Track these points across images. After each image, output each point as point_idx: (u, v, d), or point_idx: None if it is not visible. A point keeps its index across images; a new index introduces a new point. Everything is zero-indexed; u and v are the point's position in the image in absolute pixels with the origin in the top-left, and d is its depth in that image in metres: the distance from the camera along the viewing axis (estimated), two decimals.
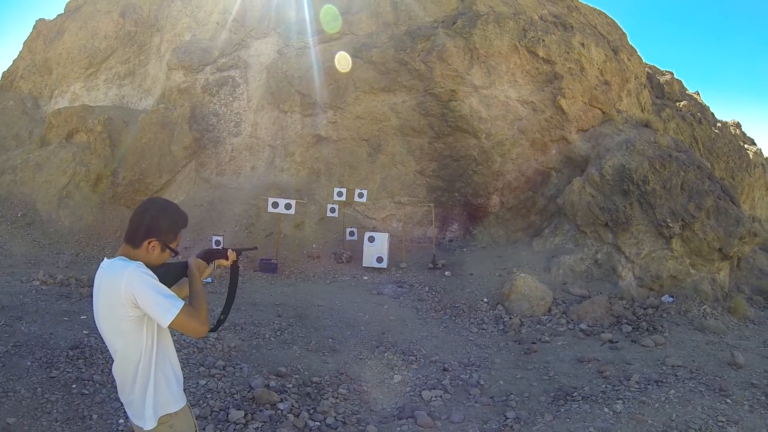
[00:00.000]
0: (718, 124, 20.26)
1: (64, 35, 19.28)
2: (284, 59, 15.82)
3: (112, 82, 18.31)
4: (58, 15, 20.47)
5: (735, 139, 20.22)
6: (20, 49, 20.90)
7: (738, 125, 22.55)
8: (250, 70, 16.29)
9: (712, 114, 20.91)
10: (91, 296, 2.84)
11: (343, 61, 14.85)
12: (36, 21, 20.77)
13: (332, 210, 13.79)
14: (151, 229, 2.77)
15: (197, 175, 15.45)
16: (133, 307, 2.61)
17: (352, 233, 13.66)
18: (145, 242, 2.76)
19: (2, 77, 20.47)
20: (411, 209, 14.81)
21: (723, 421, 5.68)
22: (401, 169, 14.95)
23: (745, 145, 21.15)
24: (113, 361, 2.82)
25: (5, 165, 15.57)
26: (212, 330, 2.96)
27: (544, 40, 14.23)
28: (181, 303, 2.64)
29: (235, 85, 16.19)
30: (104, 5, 19.09)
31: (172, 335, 2.99)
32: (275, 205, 12.99)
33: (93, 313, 2.82)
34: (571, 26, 15.04)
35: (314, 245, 13.88)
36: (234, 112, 15.98)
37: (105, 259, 2.81)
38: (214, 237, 12.41)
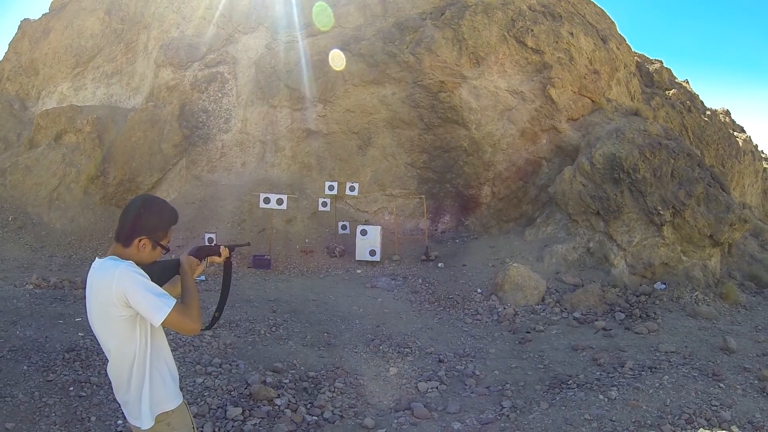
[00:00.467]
0: (708, 112, 20.33)
1: (49, 35, 19.11)
2: (272, 54, 15.75)
3: (99, 81, 18.17)
4: (43, 14, 20.22)
5: (724, 127, 20.30)
6: (5, 50, 20.73)
7: (727, 113, 22.65)
8: (239, 66, 16.22)
9: (702, 102, 20.98)
10: (85, 298, 2.83)
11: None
12: (21, 21, 20.53)
13: (324, 204, 13.80)
14: (141, 226, 2.76)
15: (188, 173, 15.40)
16: (124, 307, 2.60)
17: (344, 227, 13.67)
18: (135, 240, 2.75)
19: None
20: (402, 201, 14.83)
21: (717, 406, 5.74)
22: (392, 161, 14.96)
23: (735, 133, 21.25)
24: (108, 361, 2.82)
25: None
26: (207, 328, 2.96)
27: (532, 30, 14.23)
28: (173, 301, 2.63)
29: (224, 81, 16.12)
30: (89, 3, 18.92)
31: (167, 334, 2.99)
32: (267, 200, 12.97)
33: (87, 314, 2.81)
34: (560, 15, 15.05)
35: (307, 240, 13.88)
36: (223, 108, 15.92)
37: (96, 259, 2.80)
38: (206, 234, 12.38)
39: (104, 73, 18.16)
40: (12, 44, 20.40)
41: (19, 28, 20.41)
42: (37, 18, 20.30)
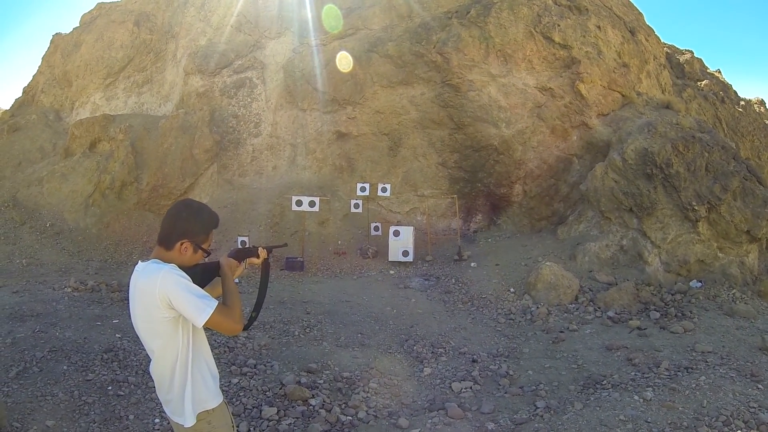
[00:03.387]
0: (742, 103, 19.94)
1: (81, 47, 19.54)
2: (300, 58, 15.89)
3: (130, 90, 18.53)
4: (74, 28, 20.71)
5: (760, 118, 19.89)
6: (39, 64, 21.23)
7: (762, 103, 22.17)
8: (267, 71, 16.40)
9: (735, 92, 20.58)
10: (122, 301, 2.91)
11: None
12: (53, 35, 21.03)
13: (356, 206, 13.84)
14: (183, 230, 2.82)
15: (220, 177, 15.61)
16: (168, 309, 2.66)
17: (376, 228, 13.70)
18: (178, 244, 2.81)
19: (23, 92, 20.79)
20: (434, 202, 14.81)
21: (755, 407, 5.60)
22: (423, 161, 14.95)
23: None
24: (150, 360, 2.89)
25: (32, 177, 15.88)
26: (244, 328, 3.00)
27: (559, 25, 14.11)
28: (215, 302, 2.68)
29: (253, 86, 16.31)
30: (118, 16, 19.32)
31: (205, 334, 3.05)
32: (299, 203, 13.06)
33: (125, 316, 2.88)
34: (586, 9, 14.89)
35: (339, 242, 13.95)
36: (253, 113, 16.11)
37: (139, 262, 2.87)
38: (239, 238, 12.53)
39: (135, 83, 18.52)
40: (45, 58, 20.93)
41: (52, 42, 20.93)
42: (68, 32, 20.80)
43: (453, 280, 11.51)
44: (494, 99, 14.05)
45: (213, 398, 2.92)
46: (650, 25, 17.77)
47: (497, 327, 9.24)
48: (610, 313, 9.41)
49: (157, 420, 5.50)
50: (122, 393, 5.95)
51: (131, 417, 5.55)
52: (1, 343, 6.92)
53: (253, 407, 5.86)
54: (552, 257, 11.54)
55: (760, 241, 11.09)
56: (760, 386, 6.13)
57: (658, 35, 17.82)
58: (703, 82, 19.00)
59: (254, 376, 6.58)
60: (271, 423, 5.59)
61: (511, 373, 7.30)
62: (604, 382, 6.65)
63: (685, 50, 21.12)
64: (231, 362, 6.93)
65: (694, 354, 7.34)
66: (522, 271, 11.28)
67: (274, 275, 11.95)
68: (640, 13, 17.82)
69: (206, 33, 17.54)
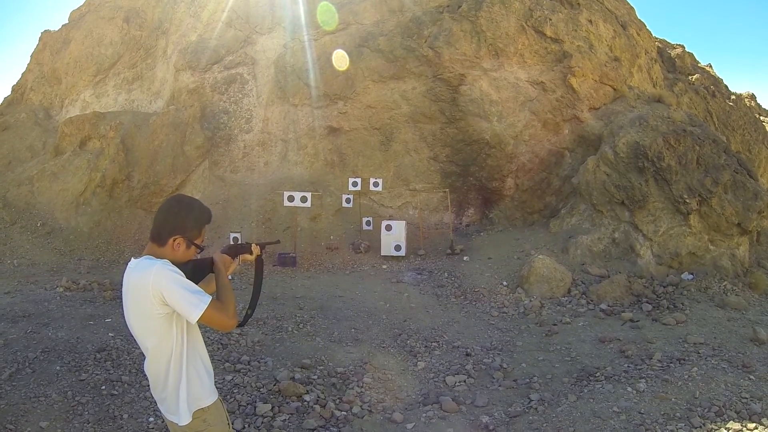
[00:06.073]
0: (732, 97, 20.01)
1: (70, 44, 19.38)
2: (291, 53, 15.83)
3: (120, 87, 18.40)
4: (62, 25, 20.52)
5: (750, 112, 19.97)
6: (28, 61, 21.01)
7: (753, 97, 22.26)
8: (258, 66, 16.33)
9: (726, 86, 20.65)
10: (115, 299, 2.88)
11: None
12: (41, 33, 20.80)
13: (348, 201, 13.83)
14: (176, 226, 2.79)
15: (211, 174, 15.55)
16: (161, 305, 2.63)
17: (368, 223, 13.69)
18: (170, 240, 2.78)
19: (12, 91, 20.56)
20: (426, 196, 14.81)
21: (747, 398, 5.66)
22: (414, 156, 14.94)
23: (761, 118, 20.89)
24: (145, 358, 2.86)
25: (22, 176, 15.73)
26: (240, 325, 2.98)
27: (551, 19, 14.12)
28: (209, 298, 2.66)
29: (244, 81, 16.24)
30: (108, 12, 19.17)
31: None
32: (291, 198, 13.04)
33: (118, 315, 2.86)
34: (578, 3, 14.91)
35: (332, 237, 13.92)
36: (244, 109, 16.04)
37: (132, 258, 2.84)
38: (231, 234, 12.50)
39: (125, 80, 18.39)
40: (34, 55, 20.72)
41: (40, 39, 20.72)
42: (57, 29, 20.59)
43: (446, 274, 11.52)
44: (486, 93, 14.06)
45: (208, 396, 2.90)
46: (642, 20, 17.82)
47: (490, 320, 9.26)
48: (603, 306, 9.45)
49: (151, 419, 5.47)
50: (116, 392, 5.92)
51: (125, 416, 5.52)
52: None
53: (248, 404, 5.85)
54: (544, 250, 11.57)
55: (750, 233, 11.16)
56: (751, 377, 6.18)
57: (649, 29, 17.88)
58: (694, 77, 19.06)
59: (248, 373, 6.57)
60: (265, 419, 5.58)
61: (504, 366, 7.32)
62: (598, 374, 6.68)
63: (677, 44, 21.17)
64: (224, 359, 6.92)
65: (686, 345, 7.39)
66: (514, 265, 11.30)
67: (267, 271, 11.90)
68: (631, 8, 17.85)
69: (196, 29, 17.43)
